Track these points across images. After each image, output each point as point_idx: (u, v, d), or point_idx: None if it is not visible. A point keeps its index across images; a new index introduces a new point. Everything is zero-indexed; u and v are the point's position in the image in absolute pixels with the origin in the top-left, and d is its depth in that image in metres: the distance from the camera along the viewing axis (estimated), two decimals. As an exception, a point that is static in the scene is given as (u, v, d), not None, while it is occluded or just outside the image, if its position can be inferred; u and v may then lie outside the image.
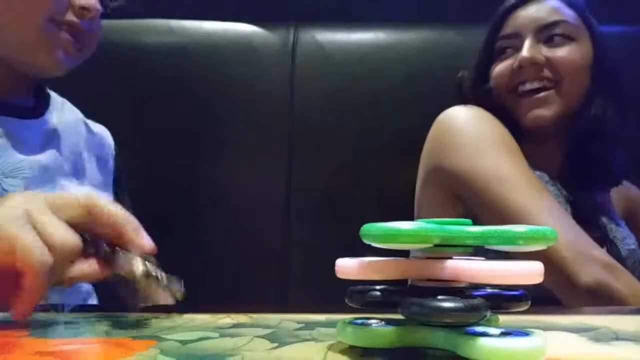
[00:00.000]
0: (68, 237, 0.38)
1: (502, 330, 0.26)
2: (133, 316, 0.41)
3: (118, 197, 0.77)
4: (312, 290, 0.80)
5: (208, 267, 0.98)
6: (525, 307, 0.30)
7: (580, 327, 0.38)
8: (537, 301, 0.32)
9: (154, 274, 0.39)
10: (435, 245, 0.28)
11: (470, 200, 0.77)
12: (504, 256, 0.29)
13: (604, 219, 0.84)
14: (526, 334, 0.25)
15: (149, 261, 0.41)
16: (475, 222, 0.29)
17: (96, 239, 0.42)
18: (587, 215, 0.79)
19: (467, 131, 0.79)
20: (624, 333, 0.36)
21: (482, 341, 0.25)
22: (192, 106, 1.02)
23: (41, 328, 0.38)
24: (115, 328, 0.38)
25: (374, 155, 0.95)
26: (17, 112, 0.67)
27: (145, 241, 0.42)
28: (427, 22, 1.06)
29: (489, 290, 0.30)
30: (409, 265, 0.29)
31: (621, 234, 0.83)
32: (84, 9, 0.64)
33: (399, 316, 0.28)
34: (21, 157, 0.64)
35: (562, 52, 0.84)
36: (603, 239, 0.72)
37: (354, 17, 1.12)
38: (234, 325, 0.38)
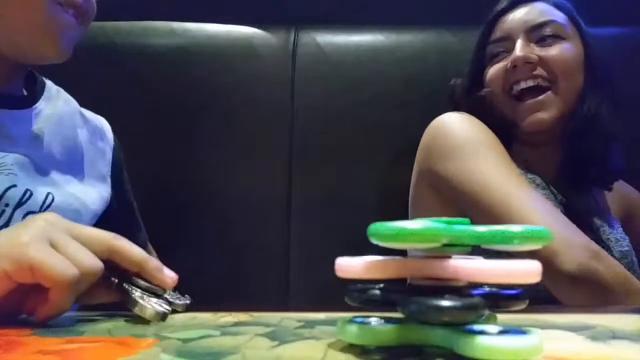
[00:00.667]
0: (90, 258, 0.39)
1: (500, 328, 0.26)
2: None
3: (117, 191, 0.75)
4: (312, 289, 0.80)
5: (208, 266, 0.98)
6: (523, 306, 0.31)
7: (577, 325, 0.38)
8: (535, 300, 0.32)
9: (161, 312, 0.39)
10: (443, 245, 0.28)
11: (461, 203, 0.77)
12: (497, 255, 0.29)
13: (598, 221, 0.83)
14: (524, 333, 0.26)
15: (156, 294, 0.42)
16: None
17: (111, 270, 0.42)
18: (580, 216, 0.78)
19: (456, 136, 0.79)
20: (621, 332, 0.36)
21: (481, 339, 0.25)
22: (193, 107, 1.03)
23: (44, 327, 0.38)
24: (118, 327, 0.38)
25: (373, 156, 0.95)
26: (6, 102, 0.63)
27: (167, 278, 0.43)
28: (425, 25, 1.06)
29: (487, 289, 0.31)
30: (409, 264, 0.30)
31: (615, 235, 0.83)
32: None
33: (399, 314, 0.29)
34: (6, 151, 0.61)
35: (554, 51, 0.84)
36: (596, 241, 0.71)
37: (353, 19, 1.12)
38: (235, 324, 0.38)
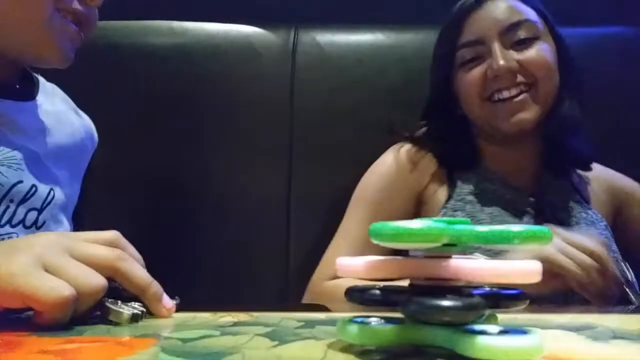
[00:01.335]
0: (90, 277, 0.38)
1: (501, 328, 0.26)
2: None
3: (84, 192, 0.74)
4: (312, 289, 0.80)
5: (209, 266, 0.98)
6: (523, 306, 0.31)
7: (578, 325, 0.38)
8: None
9: (134, 315, 0.39)
10: (444, 245, 0.28)
11: None
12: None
13: (573, 219, 0.83)
14: (524, 333, 0.25)
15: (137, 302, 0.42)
16: None
17: None
18: (554, 215, 0.81)
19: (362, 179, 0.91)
20: (622, 332, 0.36)
21: (481, 339, 0.25)
22: (193, 106, 1.02)
23: (44, 327, 0.38)
24: (117, 326, 0.38)
25: (373, 155, 0.95)
26: (9, 93, 0.63)
27: (163, 309, 0.42)
28: (425, 25, 1.06)
29: (488, 289, 0.31)
30: (409, 264, 0.30)
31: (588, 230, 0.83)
32: None
33: (399, 314, 0.29)
34: (16, 143, 0.61)
35: (532, 53, 0.82)
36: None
37: (353, 19, 1.12)
38: (235, 324, 0.38)
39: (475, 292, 0.29)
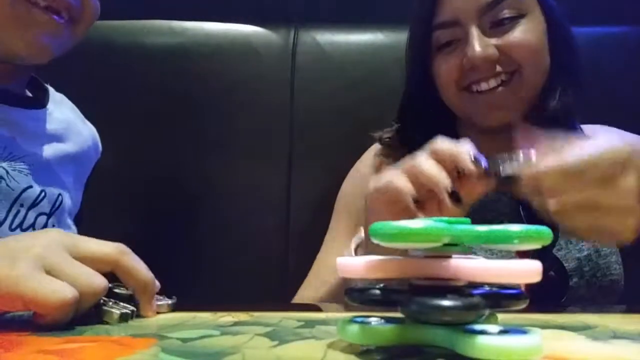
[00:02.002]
0: (90, 278, 0.38)
1: (501, 328, 0.26)
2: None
3: (83, 198, 0.75)
4: (312, 289, 0.80)
5: (208, 266, 0.98)
6: (523, 306, 0.31)
7: (578, 325, 0.38)
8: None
9: (123, 315, 0.39)
10: (444, 245, 0.28)
11: None
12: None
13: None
14: (524, 332, 0.25)
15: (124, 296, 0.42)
16: None
17: None
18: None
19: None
20: (622, 331, 0.36)
21: (481, 339, 0.25)
22: (192, 106, 1.02)
23: (43, 326, 0.38)
24: (117, 326, 0.38)
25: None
26: (21, 101, 0.63)
27: (149, 311, 0.42)
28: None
29: (488, 289, 0.31)
30: (410, 264, 0.30)
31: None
32: None
33: (399, 314, 0.29)
34: (26, 150, 0.61)
35: (514, 36, 0.71)
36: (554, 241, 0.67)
37: (353, 18, 1.12)
38: (235, 324, 0.38)
39: (475, 291, 0.29)
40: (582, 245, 0.73)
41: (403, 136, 0.81)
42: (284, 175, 1.01)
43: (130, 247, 0.43)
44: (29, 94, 0.68)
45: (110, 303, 0.40)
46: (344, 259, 0.30)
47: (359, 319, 0.29)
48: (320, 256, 0.83)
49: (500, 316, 0.32)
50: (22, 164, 0.60)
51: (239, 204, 1.00)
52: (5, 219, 0.57)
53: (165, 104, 1.02)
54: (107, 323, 0.39)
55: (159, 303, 0.43)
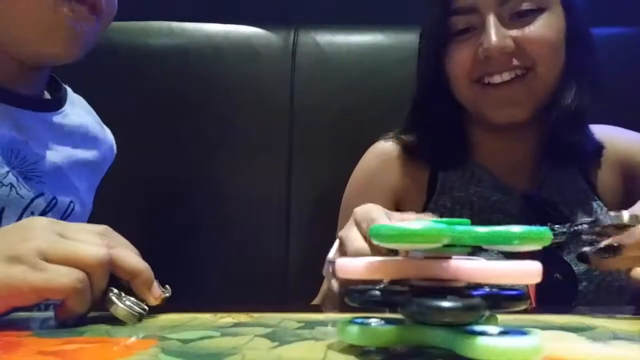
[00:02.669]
0: (93, 251, 0.39)
1: (501, 329, 0.26)
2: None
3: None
4: (312, 289, 0.80)
5: (208, 266, 0.98)
6: (523, 307, 0.31)
7: (578, 326, 0.38)
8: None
9: (136, 314, 0.40)
10: (444, 246, 0.28)
11: None
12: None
13: (567, 212, 0.73)
14: (524, 333, 0.25)
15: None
16: None
17: None
18: (544, 211, 0.71)
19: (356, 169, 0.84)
20: (622, 333, 0.36)
21: (481, 340, 0.25)
22: (193, 107, 1.02)
23: (43, 328, 0.38)
24: (117, 327, 0.38)
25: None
26: (31, 104, 0.62)
27: (151, 297, 0.42)
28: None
29: (488, 290, 0.31)
30: (409, 265, 0.30)
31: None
32: None
33: (399, 315, 0.29)
34: (38, 154, 0.60)
35: (533, 31, 0.68)
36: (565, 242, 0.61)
37: (353, 19, 1.12)
38: (235, 325, 0.38)
39: (475, 292, 0.29)
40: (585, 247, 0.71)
41: (412, 135, 0.80)
42: (284, 175, 1.01)
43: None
44: (48, 96, 0.67)
45: (122, 297, 0.40)
46: (343, 260, 0.30)
47: (358, 320, 0.29)
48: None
49: (500, 317, 0.32)
50: (34, 170, 0.59)
51: (239, 204, 1.00)
52: None
53: (165, 104, 1.02)
54: (115, 318, 0.39)
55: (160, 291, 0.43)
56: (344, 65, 1.04)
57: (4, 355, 0.29)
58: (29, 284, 0.36)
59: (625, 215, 0.48)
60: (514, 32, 0.68)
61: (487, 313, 0.29)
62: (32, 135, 0.61)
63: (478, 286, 0.30)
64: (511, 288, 0.31)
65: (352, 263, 0.30)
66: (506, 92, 0.69)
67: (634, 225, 0.48)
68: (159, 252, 0.79)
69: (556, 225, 0.52)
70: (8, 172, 0.57)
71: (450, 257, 0.29)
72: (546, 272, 0.27)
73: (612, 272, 0.69)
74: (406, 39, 1.05)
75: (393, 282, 0.32)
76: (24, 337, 0.34)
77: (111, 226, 0.44)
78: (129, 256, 0.42)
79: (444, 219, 0.30)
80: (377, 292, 0.30)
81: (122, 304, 0.39)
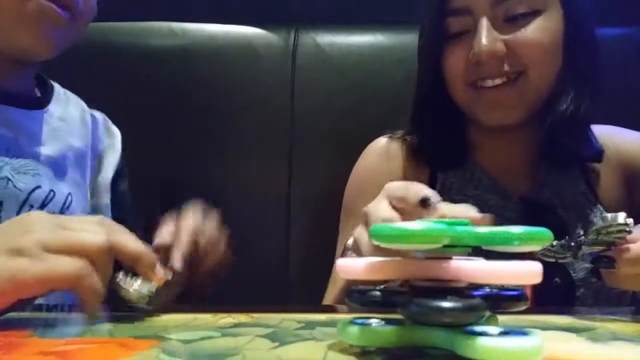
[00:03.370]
0: (93, 238, 0.39)
1: (501, 329, 0.26)
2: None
3: (118, 198, 0.75)
4: (312, 289, 0.80)
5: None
6: (524, 307, 0.31)
7: (578, 327, 0.38)
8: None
9: (146, 294, 0.40)
10: (444, 246, 0.28)
11: None
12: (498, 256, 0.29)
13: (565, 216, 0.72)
14: (525, 334, 0.26)
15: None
16: None
17: None
18: (543, 213, 0.71)
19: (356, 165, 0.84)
20: (621, 333, 0.36)
21: (481, 341, 0.25)
22: (193, 107, 1.02)
23: (44, 328, 0.38)
24: (118, 328, 0.38)
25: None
26: (21, 102, 0.63)
27: (155, 277, 0.43)
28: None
29: (488, 290, 0.31)
30: (410, 265, 0.30)
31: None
32: None
33: (399, 316, 0.29)
34: (30, 151, 0.61)
35: (525, 34, 0.67)
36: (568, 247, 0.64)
37: (353, 19, 1.12)
38: (235, 325, 0.38)
39: (476, 293, 0.29)
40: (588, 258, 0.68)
41: (413, 134, 0.80)
42: (284, 176, 1.01)
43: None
44: (38, 94, 0.68)
45: (129, 279, 0.40)
46: (343, 260, 0.30)
47: (359, 321, 0.29)
48: (335, 259, 0.81)
49: (501, 317, 0.32)
50: (26, 165, 0.60)
51: (239, 204, 1.00)
52: None
53: (166, 105, 1.02)
54: (126, 303, 0.39)
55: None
56: (344, 65, 1.04)
57: (4, 356, 0.29)
58: (33, 275, 0.36)
59: (621, 216, 0.48)
60: (507, 36, 0.67)
61: (487, 313, 0.29)
62: (23, 132, 0.61)
63: (478, 286, 0.30)
64: (512, 288, 0.31)
65: (352, 263, 0.30)
66: (497, 96, 0.69)
67: (629, 231, 0.48)
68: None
69: (554, 241, 0.51)
70: (2, 166, 0.57)
71: (450, 258, 0.29)
72: (545, 276, 0.27)
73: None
74: (406, 39, 1.05)
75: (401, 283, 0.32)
76: (24, 338, 0.34)
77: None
78: (130, 241, 0.42)
79: (445, 220, 0.30)
80: (378, 293, 0.30)
81: (131, 287, 0.39)
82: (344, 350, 0.30)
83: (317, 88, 1.03)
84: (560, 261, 0.51)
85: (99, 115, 0.77)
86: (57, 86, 0.72)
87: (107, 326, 0.38)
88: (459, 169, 0.77)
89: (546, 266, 0.27)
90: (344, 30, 1.08)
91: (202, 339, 0.33)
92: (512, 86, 0.68)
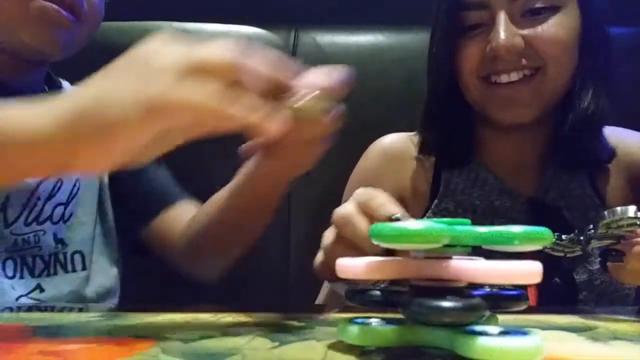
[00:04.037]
0: (218, 51, 0.37)
1: (501, 329, 0.26)
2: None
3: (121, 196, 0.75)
4: (312, 290, 0.80)
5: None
6: (523, 307, 0.31)
7: (578, 326, 0.38)
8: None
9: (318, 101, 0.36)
10: (444, 246, 0.28)
11: None
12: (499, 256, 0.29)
13: (570, 216, 0.71)
14: (525, 334, 0.26)
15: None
16: None
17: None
18: (551, 213, 0.70)
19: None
20: (622, 333, 0.36)
21: (481, 340, 0.25)
22: (192, 107, 1.03)
23: (44, 328, 0.38)
24: (118, 327, 0.38)
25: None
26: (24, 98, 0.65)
27: (317, 79, 0.39)
28: (425, 25, 1.06)
29: (488, 290, 0.31)
30: (410, 265, 0.30)
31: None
32: None
33: (399, 315, 0.29)
34: None
35: (545, 30, 0.66)
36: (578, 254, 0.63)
37: (353, 19, 1.12)
38: (235, 325, 0.38)
39: (476, 293, 0.29)
40: (594, 259, 0.68)
41: (418, 134, 0.78)
42: (284, 176, 1.01)
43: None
44: (46, 91, 0.68)
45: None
46: (343, 260, 0.30)
47: (359, 320, 0.29)
48: None
49: (501, 317, 0.32)
50: None
51: (239, 204, 1.00)
52: (20, 214, 0.58)
53: (165, 104, 1.02)
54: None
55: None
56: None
57: (5, 355, 0.29)
58: (177, 99, 0.34)
59: (631, 210, 0.47)
60: (525, 31, 0.66)
61: (487, 313, 0.29)
62: None
63: (478, 286, 0.30)
64: (511, 288, 0.31)
65: (352, 263, 0.30)
66: (513, 92, 0.67)
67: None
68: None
69: (563, 235, 0.51)
70: None
71: (450, 257, 0.29)
72: (545, 276, 0.27)
73: (615, 282, 0.67)
74: (406, 39, 1.05)
75: (393, 282, 0.32)
76: (25, 337, 0.34)
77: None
78: (258, 62, 0.38)
79: (445, 220, 0.30)
80: (378, 292, 0.30)
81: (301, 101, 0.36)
82: (344, 349, 0.30)
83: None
84: (569, 255, 0.50)
85: None
86: (66, 84, 0.72)
87: (107, 326, 0.38)
88: (463, 167, 0.76)
89: (546, 266, 0.27)
90: (344, 30, 1.08)
91: (202, 338, 0.33)
92: (528, 83, 0.67)
